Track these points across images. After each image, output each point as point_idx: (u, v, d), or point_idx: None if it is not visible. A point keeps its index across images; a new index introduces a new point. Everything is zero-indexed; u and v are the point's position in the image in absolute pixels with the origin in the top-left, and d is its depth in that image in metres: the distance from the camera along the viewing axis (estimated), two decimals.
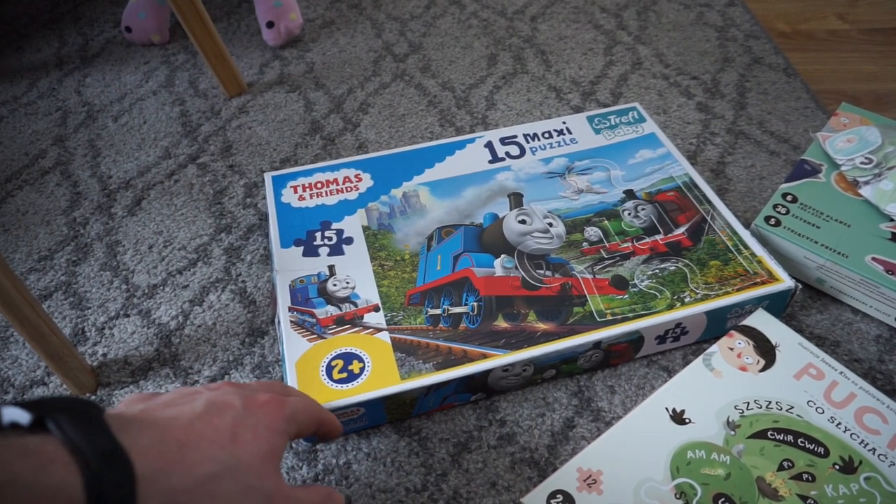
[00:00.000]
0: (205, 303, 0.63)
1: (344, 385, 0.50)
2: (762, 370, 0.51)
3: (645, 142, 0.69)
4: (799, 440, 0.47)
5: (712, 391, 0.50)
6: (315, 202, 0.64)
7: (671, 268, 0.57)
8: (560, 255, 0.58)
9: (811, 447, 0.46)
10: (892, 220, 0.60)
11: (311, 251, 0.60)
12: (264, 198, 0.73)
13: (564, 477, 0.45)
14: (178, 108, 0.87)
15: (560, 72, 0.88)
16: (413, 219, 0.62)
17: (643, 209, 0.62)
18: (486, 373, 0.51)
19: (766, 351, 0.52)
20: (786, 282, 0.54)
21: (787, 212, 0.62)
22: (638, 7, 1.00)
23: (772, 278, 0.55)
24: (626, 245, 0.59)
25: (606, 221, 0.61)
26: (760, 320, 0.54)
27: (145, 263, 0.67)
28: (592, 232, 0.60)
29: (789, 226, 0.60)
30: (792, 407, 0.48)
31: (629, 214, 0.62)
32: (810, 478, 0.45)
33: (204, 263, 0.66)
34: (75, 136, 0.83)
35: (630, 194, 0.64)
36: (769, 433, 0.47)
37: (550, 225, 0.61)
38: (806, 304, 0.60)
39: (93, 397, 0.56)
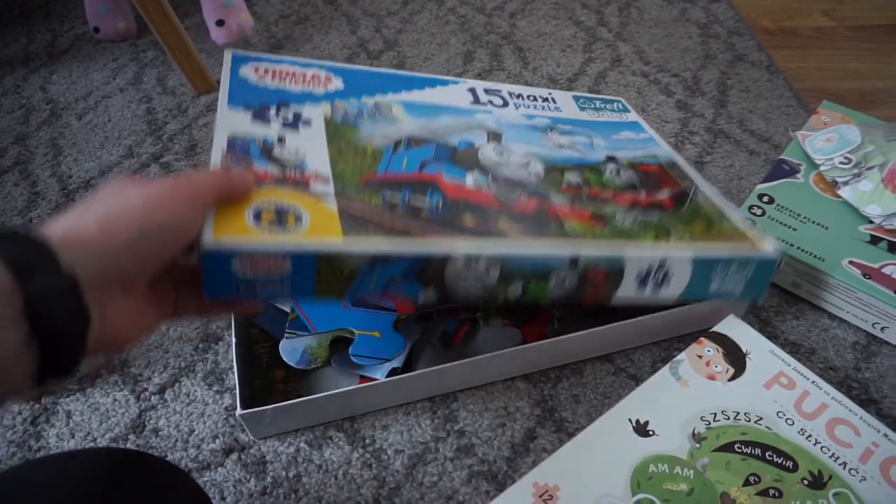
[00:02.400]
0: None
1: (272, 230, 0.38)
2: (731, 379, 0.49)
3: (629, 126, 0.65)
4: (767, 454, 0.44)
5: (678, 401, 0.47)
6: (276, 84, 0.54)
7: (654, 219, 0.50)
8: (537, 187, 0.51)
9: (779, 461, 0.44)
10: (871, 221, 0.58)
11: (261, 117, 0.49)
12: None
13: (519, 492, 0.43)
14: (144, 105, 0.84)
15: (537, 69, 0.86)
16: (381, 124, 0.54)
17: (625, 172, 0.56)
18: (445, 260, 0.41)
19: (736, 359, 0.50)
20: (771, 250, 0.49)
21: (763, 213, 0.59)
22: (620, 3, 0.98)
23: (753, 244, 0.49)
24: (607, 193, 0.53)
25: (588, 173, 0.55)
26: (731, 327, 0.52)
27: None
28: (573, 176, 0.54)
29: (764, 228, 0.58)
30: (761, 418, 0.46)
31: (611, 172, 0.56)
32: (777, 493, 0.42)
33: None
34: (37, 135, 0.81)
35: (612, 159, 0.58)
36: (736, 446, 0.45)
37: (528, 163, 0.54)
38: (782, 310, 0.58)
39: (37, 406, 0.54)
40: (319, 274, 0.39)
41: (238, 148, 0.45)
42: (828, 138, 0.64)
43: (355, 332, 0.53)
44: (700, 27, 0.92)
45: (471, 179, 0.50)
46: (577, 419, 0.51)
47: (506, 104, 0.63)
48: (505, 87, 0.66)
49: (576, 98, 0.68)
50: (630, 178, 0.56)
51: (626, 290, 0.47)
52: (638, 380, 0.53)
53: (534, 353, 0.52)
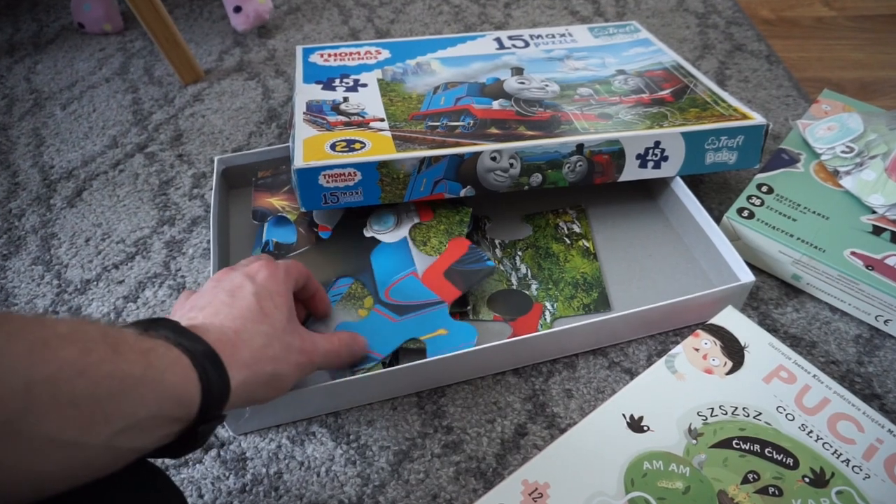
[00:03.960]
0: (139, 299, 0.58)
1: (344, 153, 0.53)
2: (729, 373, 0.47)
3: (640, 43, 0.73)
4: (766, 450, 0.42)
5: (674, 396, 0.46)
6: (338, 63, 0.69)
7: (653, 110, 0.60)
8: (553, 101, 0.62)
9: (779, 458, 0.42)
10: (873, 212, 0.56)
11: (328, 87, 0.64)
12: (211, 189, 0.68)
13: (508, 490, 0.41)
14: (130, 95, 0.82)
15: None
16: (423, 77, 0.67)
17: (632, 80, 0.66)
18: (475, 158, 0.53)
19: (735, 352, 0.48)
20: (757, 119, 0.57)
21: (762, 203, 0.58)
22: None
23: (745, 118, 0.58)
24: (614, 98, 0.63)
25: (598, 86, 0.65)
26: (729, 319, 0.50)
27: (80, 257, 0.63)
28: (584, 90, 0.64)
29: (763, 218, 0.56)
30: (760, 413, 0.44)
31: (619, 82, 0.66)
32: (777, 492, 0.40)
33: (142, 257, 0.62)
34: (19, 125, 0.79)
35: (622, 72, 0.68)
36: (734, 442, 0.43)
37: (546, 86, 0.65)
38: (781, 302, 0.56)
39: None
40: (382, 179, 0.53)
41: (313, 108, 0.60)
42: (829, 127, 0.62)
43: (422, 339, 0.50)
44: (698, 17, 0.90)
45: (497, 104, 0.61)
46: (570, 415, 0.49)
47: (527, 45, 0.73)
48: (526, 32, 0.76)
49: (591, 29, 0.77)
50: (637, 84, 0.65)
51: (630, 170, 0.57)
52: (633, 374, 0.51)
53: (525, 347, 0.50)
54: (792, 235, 0.55)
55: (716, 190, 0.66)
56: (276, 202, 0.60)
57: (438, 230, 0.56)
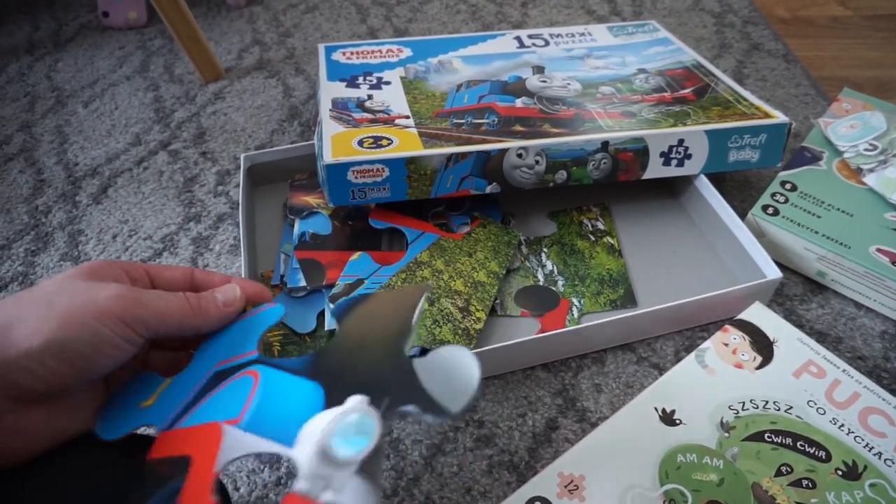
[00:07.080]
0: None
1: (372, 149, 0.53)
2: (759, 367, 0.47)
3: (659, 42, 0.74)
4: (798, 443, 0.43)
5: (705, 390, 0.46)
6: (360, 61, 0.70)
7: (676, 109, 0.61)
8: (576, 99, 0.63)
9: (811, 451, 0.43)
10: None
11: (352, 84, 0.65)
12: (237, 186, 0.69)
13: (544, 482, 0.42)
14: (151, 93, 0.83)
15: None
16: (445, 75, 0.68)
17: (653, 79, 0.67)
18: (502, 155, 0.54)
19: (763, 347, 0.48)
20: (780, 118, 0.58)
21: (786, 200, 0.58)
22: None
23: (768, 116, 0.58)
24: (636, 97, 0.63)
25: (620, 84, 0.66)
26: (757, 315, 0.50)
27: (108, 253, 0.63)
28: (606, 88, 0.65)
29: (788, 215, 0.57)
30: (791, 407, 0.45)
31: (640, 81, 0.66)
32: (811, 484, 0.41)
33: (170, 254, 0.63)
34: (42, 123, 0.80)
35: (642, 71, 0.68)
36: (766, 435, 0.43)
37: (568, 84, 0.66)
38: (806, 298, 0.56)
39: None
40: (410, 176, 0.54)
41: (339, 105, 0.61)
42: (851, 125, 0.63)
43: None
44: (714, 16, 0.91)
45: (520, 102, 0.62)
46: (600, 409, 0.49)
47: (547, 44, 0.74)
48: (546, 31, 0.77)
49: (610, 28, 0.78)
50: (658, 83, 0.66)
51: (654, 168, 0.58)
52: (661, 369, 0.52)
53: (554, 342, 0.50)
54: (817, 232, 0.55)
55: (737, 188, 0.66)
56: (311, 200, 0.61)
57: (486, 245, 0.57)
